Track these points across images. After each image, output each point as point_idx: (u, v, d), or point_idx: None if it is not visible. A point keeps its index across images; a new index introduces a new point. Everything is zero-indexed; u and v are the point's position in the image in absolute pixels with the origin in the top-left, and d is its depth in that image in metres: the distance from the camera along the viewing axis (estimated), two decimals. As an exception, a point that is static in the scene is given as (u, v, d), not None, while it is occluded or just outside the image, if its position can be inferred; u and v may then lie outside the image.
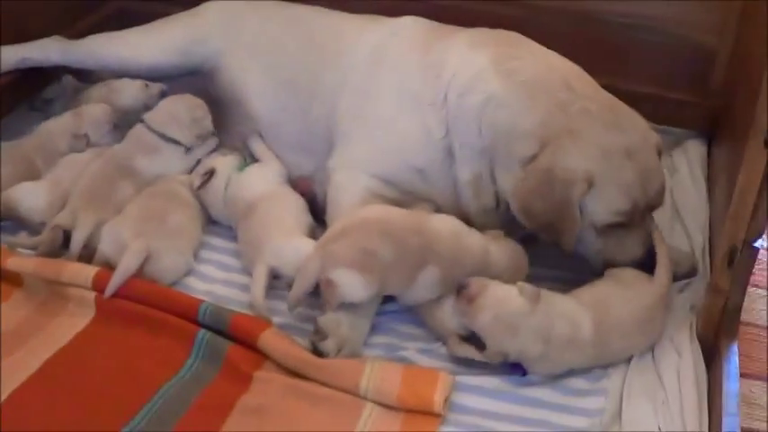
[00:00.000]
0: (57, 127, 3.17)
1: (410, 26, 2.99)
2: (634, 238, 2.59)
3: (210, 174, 2.97)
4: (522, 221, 2.60)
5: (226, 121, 3.24)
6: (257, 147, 3.13)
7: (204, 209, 3.00)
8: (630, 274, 2.56)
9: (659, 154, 2.62)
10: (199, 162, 3.09)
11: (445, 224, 2.57)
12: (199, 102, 3.16)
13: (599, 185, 2.47)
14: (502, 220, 2.73)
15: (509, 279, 2.50)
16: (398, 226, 2.48)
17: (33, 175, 3.03)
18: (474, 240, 2.57)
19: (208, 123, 3.15)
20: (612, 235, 2.57)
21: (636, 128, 2.58)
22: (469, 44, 2.78)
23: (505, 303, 2.36)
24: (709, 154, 3.37)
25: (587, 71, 2.74)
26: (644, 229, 2.61)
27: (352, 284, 2.40)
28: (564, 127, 2.51)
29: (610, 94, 2.66)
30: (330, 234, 2.52)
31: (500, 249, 2.59)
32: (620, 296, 2.48)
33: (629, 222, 2.55)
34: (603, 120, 2.54)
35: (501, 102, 2.61)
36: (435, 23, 3.00)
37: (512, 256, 2.60)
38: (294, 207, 2.88)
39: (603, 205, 2.50)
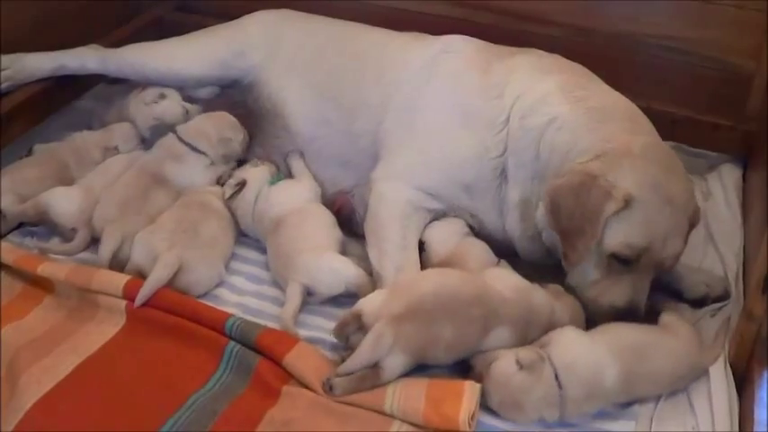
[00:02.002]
0: (90, 138, 3.22)
1: (463, 44, 2.99)
2: (627, 285, 2.51)
3: (242, 185, 2.98)
4: (547, 222, 2.57)
5: (263, 134, 3.25)
6: (295, 164, 3.12)
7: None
8: (685, 329, 2.49)
9: (692, 225, 2.58)
10: (230, 173, 3.11)
11: (506, 284, 2.50)
12: (231, 122, 3.17)
13: (631, 211, 2.44)
14: (544, 248, 2.71)
15: None
16: (463, 300, 2.39)
17: (66, 177, 3.07)
18: (539, 297, 2.52)
19: (236, 146, 3.16)
20: (612, 271, 2.51)
21: (686, 188, 2.55)
22: (535, 68, 2.80)
23: (505, 385, 2.31)
24: (744, 178, 3.34)
25: (624, 93, 2.75)
26: (640, 284, 2.53)
27: (397, 370, 2.35)
28: (626, 147, 2.50)
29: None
30: (397, 306, 2.36)
31: (563, 307, 2.54)
32: (665, 348, 2.41)
33: (633, 264, 2.49)
34: (663, 160, 2.52)
35: (564, 123, 2.61)
36: (487, 43, 3.01)
37: (573, 312, 2.55)
38: (324, 222, 2.88)
39: (623, 232, 2.45)
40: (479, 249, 2.73)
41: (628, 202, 2.43)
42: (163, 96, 3.29)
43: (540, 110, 2.67)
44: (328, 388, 2.32)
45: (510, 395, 2.30)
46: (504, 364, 2.32)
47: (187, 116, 3.27)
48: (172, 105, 3.28)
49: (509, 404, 2.31)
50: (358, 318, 2.39)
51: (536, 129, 2.65)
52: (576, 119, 2.60)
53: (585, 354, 2.35)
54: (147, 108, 3.28)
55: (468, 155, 2.76)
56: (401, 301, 2.37)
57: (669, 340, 2.43)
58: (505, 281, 2.52)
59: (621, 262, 2.49)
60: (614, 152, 2.49)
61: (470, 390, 2.31)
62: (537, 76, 2.77)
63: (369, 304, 2.41)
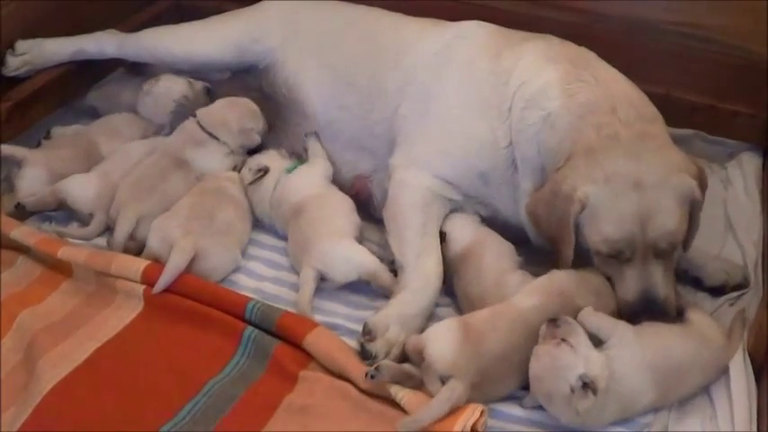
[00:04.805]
0: (126, 120, 3.27)
1: (478, 30, 2.98)
2: (632, 279, 2.47)
3: (264, 171, 2.97)
4: (532, 229, 2.66)
5: (280, 119, 3.24)
6: (311, 145, 3.10)
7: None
8: (714, 331, 2.43)
9: (691, 204, 2.48)
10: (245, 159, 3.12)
11: (527, 290, 2.48)
12: (252, 110, 3.17)
13: (592, 208, 2.43)
14: None
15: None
16: (524, 352, 2.32)
17: (95, 155, 3.11)
18: (559, 277, 2.50)
19: (255, 136, 3.15)
20: (613, 268, 2.50)
21: (660, 165, 2.45)
22: (541, 57, 2.77)
23: (556, 404, 2.25)
24: (764, 167, 3.31)
25: (643, 80, 2.72)
26: (647, 274, 2.47)
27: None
28: (588, 146, 2.49)
29: (657, 129, 2.56)
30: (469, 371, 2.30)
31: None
32: (701, 365, 2.36)
33: (625, 258, 2.45)
34: (625, 146, 2.46)
35: (555, 121, 2.60)
36: (502, 28, 2.99)
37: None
38: (341, 207, 2.88)
39: (594, 230, 2.45)
40: (503, 249, 2.71)
41: (586, 201, 2.43)
42: (157, 79, 3.30)
43: (539, 104, 2.66)
44: (370, 377, 2.28)
45: (554, 406, 2.26)
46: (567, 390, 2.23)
47: (191, 89, 3.28)
48: (169, 84, 3.29)
49: (542, 393, 2.27)
50: (420, 353, 2.33)
51: (533, 125, 2.65)
52: (564, 117, 2.59)
53: (633, 379, 2.30)
54: (148, 97, 3.29)
55: (482, 143, 2.75)
56: (471, 366, 2.30)
57: (705, 355, 2.37)
58: (525, 289, 2.51)
59: (613, 258, 2.47)
60: (577, 153, 2.49)
61: (472, 410, 2.24)
62: (541, 64, 2.75)
63: (438, 352, 2.31)
